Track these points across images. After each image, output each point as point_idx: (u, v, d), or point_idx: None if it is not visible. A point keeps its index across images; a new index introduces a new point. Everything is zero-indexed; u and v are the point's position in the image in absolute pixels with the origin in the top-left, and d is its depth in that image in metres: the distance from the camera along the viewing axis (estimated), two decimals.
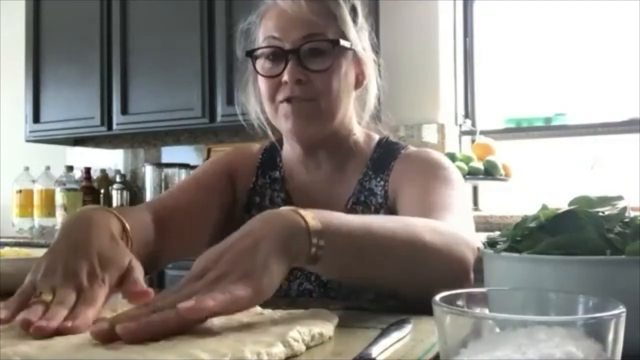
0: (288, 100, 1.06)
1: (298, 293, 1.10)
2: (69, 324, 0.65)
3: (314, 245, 0.70)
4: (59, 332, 0.63)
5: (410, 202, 1.03)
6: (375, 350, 0.56)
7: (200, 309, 0.59)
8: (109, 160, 3.62)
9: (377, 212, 1.10)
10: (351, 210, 1.10)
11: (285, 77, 1.04)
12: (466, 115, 2.92)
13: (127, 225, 0.88)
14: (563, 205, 0.61)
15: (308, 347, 0.59)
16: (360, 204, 1.11)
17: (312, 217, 0.71)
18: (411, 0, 2.77)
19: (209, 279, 0.64)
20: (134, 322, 0.58)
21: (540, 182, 2.66)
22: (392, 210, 1.08)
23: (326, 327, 0.63)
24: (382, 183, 1.11)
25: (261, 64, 1.09)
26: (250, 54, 1.10)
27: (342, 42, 1.07)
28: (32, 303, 0.69)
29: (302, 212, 0.72)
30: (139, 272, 0.78)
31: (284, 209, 0.74)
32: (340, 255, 0.74)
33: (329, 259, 0.72)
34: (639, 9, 2.57)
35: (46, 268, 0.74)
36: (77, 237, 0.79)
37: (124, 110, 3.12)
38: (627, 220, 0.58)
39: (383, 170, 1.13)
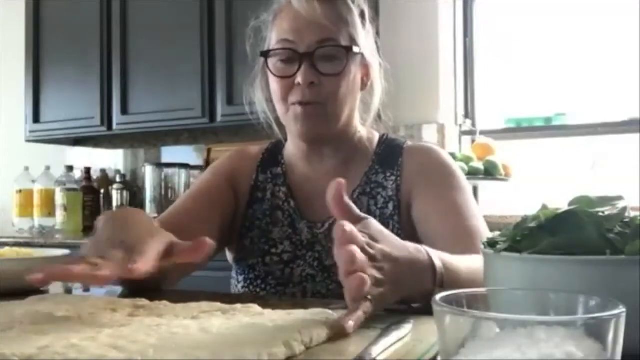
0: (300, 103, 1.09)
1: (301, 279, 1.12)
2: (129, 266, 0.67)
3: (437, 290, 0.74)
4: (114, 276, 0.66)
5: (434, 212, 1.08)
6: (375, 350, 0.56)
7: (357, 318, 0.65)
8: (109, 160, 3.61)
9: (385, 204, 1.13)
10: (356, 200, 1.12)
11: (299, 79, 1.08)
12: (466, 115, 2.92)
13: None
14: (563, 205, 0.60)
15: (308, 347, 0.59)
16: (366, 195, 1.15)
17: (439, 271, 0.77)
18: (411, 0, 2.77)
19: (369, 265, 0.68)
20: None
21: (540, 182, 2.66)
22: (400, 203, 1.12)
23: (326, 327, 0.63)
24: (393, 178, 1.15)
25: (273, 64, 1.12)
26: (265, 55, 1.13)
27: (354, 49, 1.10)
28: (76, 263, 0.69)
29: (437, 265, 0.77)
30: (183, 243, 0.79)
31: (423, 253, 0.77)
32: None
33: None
34: (639, 9, 2.57)
35: (92, 244, 0.75)
36: (117, 222, 0.80)
37: (124, 110, 3.12)
38: (627, 220, 0.58)
39: (392, 165, 1.16)
